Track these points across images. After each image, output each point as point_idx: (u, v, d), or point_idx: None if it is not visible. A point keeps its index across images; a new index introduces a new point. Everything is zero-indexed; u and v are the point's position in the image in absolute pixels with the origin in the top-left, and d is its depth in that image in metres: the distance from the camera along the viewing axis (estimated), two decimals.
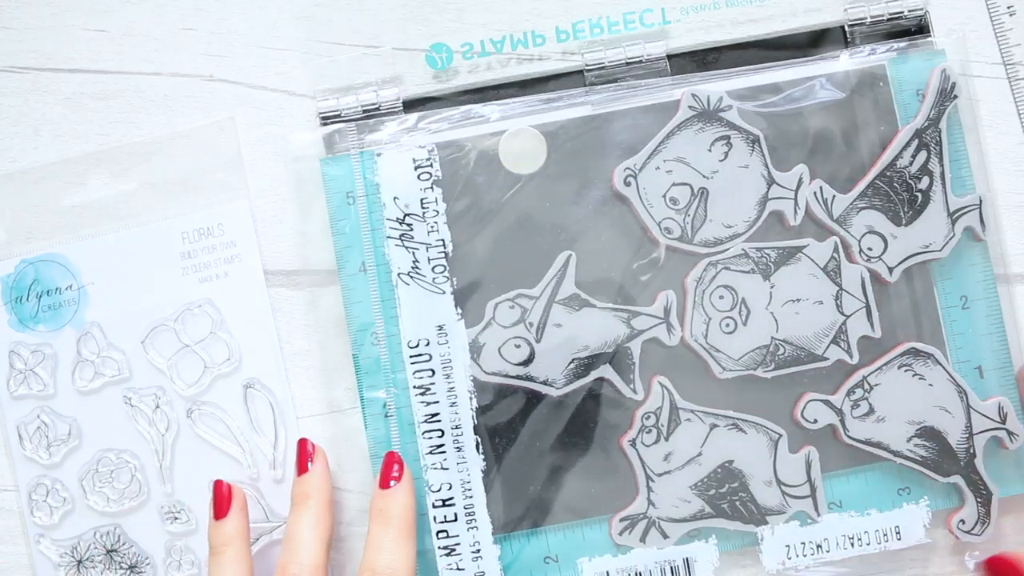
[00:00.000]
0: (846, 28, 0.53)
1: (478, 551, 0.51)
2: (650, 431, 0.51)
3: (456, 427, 0.51)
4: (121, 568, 0.53)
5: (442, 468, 0.51)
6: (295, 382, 0.53)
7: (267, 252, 0.53)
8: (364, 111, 0.52)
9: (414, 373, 0.51)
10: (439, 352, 0.51)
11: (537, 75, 0.53)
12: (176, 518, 0.52)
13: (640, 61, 0.52)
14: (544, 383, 0.51)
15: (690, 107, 0.51)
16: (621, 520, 0.51)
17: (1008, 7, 0.53)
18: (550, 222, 0.52)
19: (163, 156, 0.53)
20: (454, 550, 0.51)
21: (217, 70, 0.54)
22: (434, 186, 0.51)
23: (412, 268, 0.51)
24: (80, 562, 0.53)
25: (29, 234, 0.54)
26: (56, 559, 0.53)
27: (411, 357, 0.51)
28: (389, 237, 0.51)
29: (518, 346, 0.51)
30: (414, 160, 0.51)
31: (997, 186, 0.53)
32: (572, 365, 0.51)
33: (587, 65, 0.52)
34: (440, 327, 0.51)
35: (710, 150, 0.51)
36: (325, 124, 0.52)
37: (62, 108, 0.54)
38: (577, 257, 0.51)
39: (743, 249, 0.51)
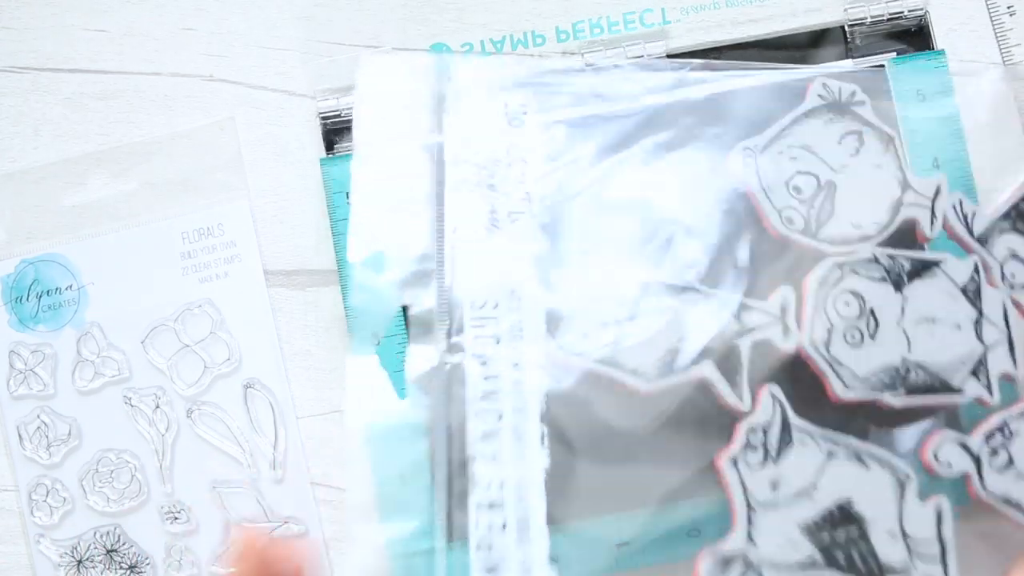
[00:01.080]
0: (846, 28, 0.53)
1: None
2: (756, 449, 0.42)
3: (519, 410, 0.42)
4: (121, 568, 0.53)
5: (494, 460, 0.41)
6: (295, 382, 0.53)
7: (267, 252, 0.53)
8: None
9: (475, 338, 0.43)
10: (509, 319, 0.43)
11: None
12: (176, 518, 0.52)
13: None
14: (633, 372, 0.43)
15: (820, 96, 0.46)
16: (713, 557, 0.41)
17: (1008, 7, 0.53)
18: (653, 196, 0.45)
19: (163, 156, 0.53)
20: (497, 569, 0.40)
21: (217, 70, 0.54)
22: (525, 135, 0.45)
23: (490, 219, 0.44)
24: (80, 562, 0.53)
25: (29, 234, 0.54)
26: (56, 559, 0.53)
27: (473, 319, 0.43)
28: (464, 181, 0.44)
29: (606, 325, 0.43)
30: (506, 104, 0.46)
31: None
32: (667, 357, 0.43)
33: (587, 65, 0.52)
34: (513, 291, 0.43)
35: (840, 143, 0.46)
36: (325, 124, 0.53)
37: (62, 108, 0.54)
38: (682, 238, 0.45)
39: (873, 253, 0.44)
